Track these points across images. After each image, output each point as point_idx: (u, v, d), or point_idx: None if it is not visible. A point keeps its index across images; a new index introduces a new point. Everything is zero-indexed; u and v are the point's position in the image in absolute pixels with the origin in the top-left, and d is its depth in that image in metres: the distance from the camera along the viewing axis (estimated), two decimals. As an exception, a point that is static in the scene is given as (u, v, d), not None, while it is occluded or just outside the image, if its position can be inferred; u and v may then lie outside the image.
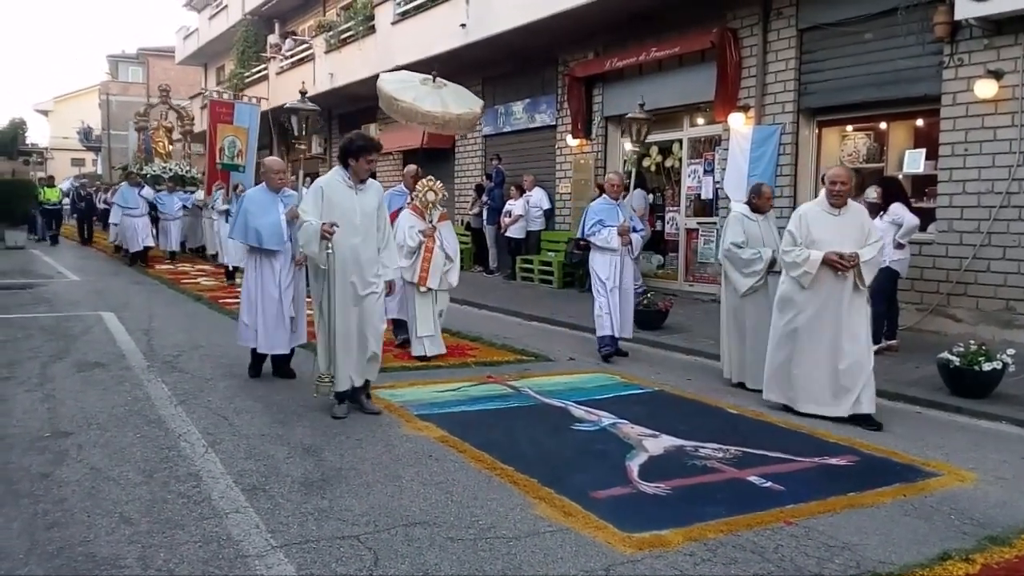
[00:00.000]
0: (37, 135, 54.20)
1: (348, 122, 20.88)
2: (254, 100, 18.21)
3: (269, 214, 5.98)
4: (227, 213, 13.07)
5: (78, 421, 5.03)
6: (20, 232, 20.46)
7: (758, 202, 6.35)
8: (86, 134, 46.54)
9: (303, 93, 6.77)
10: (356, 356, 5.18)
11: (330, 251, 4.91)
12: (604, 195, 7.57)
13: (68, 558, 3.13)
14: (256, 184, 13.55)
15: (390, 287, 5.37)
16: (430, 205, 7.00)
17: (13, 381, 6.06)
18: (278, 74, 22.03)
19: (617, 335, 7.31)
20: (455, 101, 7.60)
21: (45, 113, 54.31)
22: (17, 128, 48.60)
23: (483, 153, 15.83)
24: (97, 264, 16.79)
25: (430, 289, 6.98)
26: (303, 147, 6.71)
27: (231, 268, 12.89)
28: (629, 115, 7.71)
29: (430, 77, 7.65)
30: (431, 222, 6.99)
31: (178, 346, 7.52)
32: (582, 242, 7.75)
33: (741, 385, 6.27)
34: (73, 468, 4.16)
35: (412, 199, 7.17)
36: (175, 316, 9.56)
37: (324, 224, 4.86)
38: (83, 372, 6.43)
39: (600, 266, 7.38)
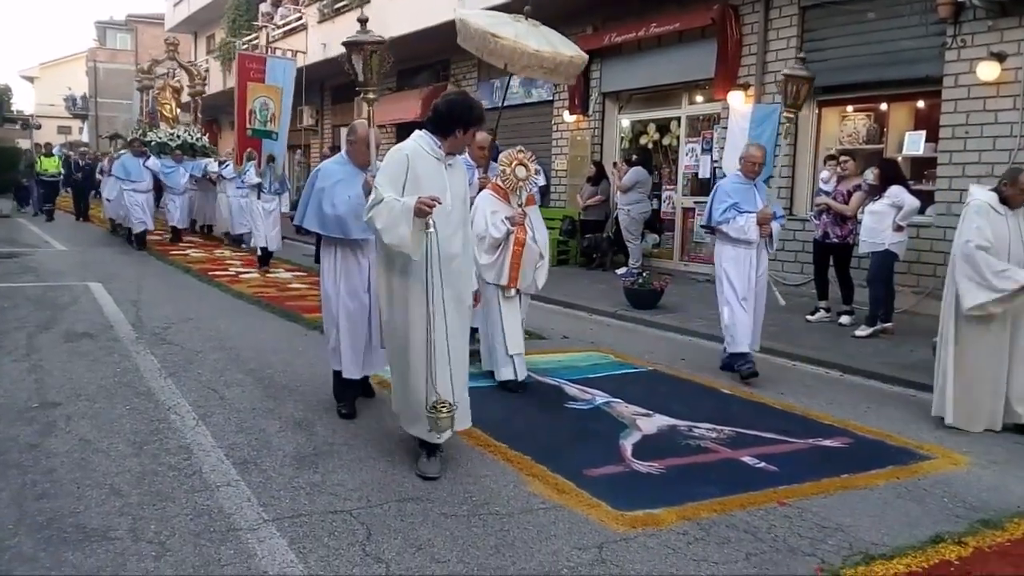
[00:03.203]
0: (23, 102, 53.39)
1: (341, 94, 20.65)
2: (289, 54, 15.22)
3: (352, 193, 4.52)
4: (259, 188, 11.54)
5: (66, 392, 4.97)
6: (6, 200, 20.13)
7: (1010, 192, 4.85)
8: (73, 102, 45.84)
9: (363, 21, 5.23)
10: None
11: (432, 230, 3.53)
12: (736, 171, 6.19)
13: (58, 529, 3.10)
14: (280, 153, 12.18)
15: (476, 299, 4.16)
16: (520, 184, 5.42)
17: None
18: (270, 43, 21.69)
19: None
20: (561, 42, 6.40)
21: (31, 79, 53.48)
22: (2, 95, 47.84)
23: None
24: (85, 234, 16.61)
25: (518, 292, 5.47)
26: (372, 96, 4.98)
27: (259, 252, 11.49)
28: (785, 72, 6.23)
29: (521, 15, 6.26)
30: (520, 206, 5.45)
31: (167, 318, 7.44)
32: (706, 229, 6.28)
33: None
34: (62, 439, 4.12)
35: (496, 176, 5.52)
36: (164, 288, 9.47)
37: (422, 198, 3.51)
38: (71, 343, 6.36)
39: (732, 264, 5.87)
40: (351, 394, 4.72)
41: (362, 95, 4.97)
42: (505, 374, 5.38)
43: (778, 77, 6.38)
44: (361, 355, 4.60)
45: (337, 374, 4.70)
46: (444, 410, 3.55)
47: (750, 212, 5.80)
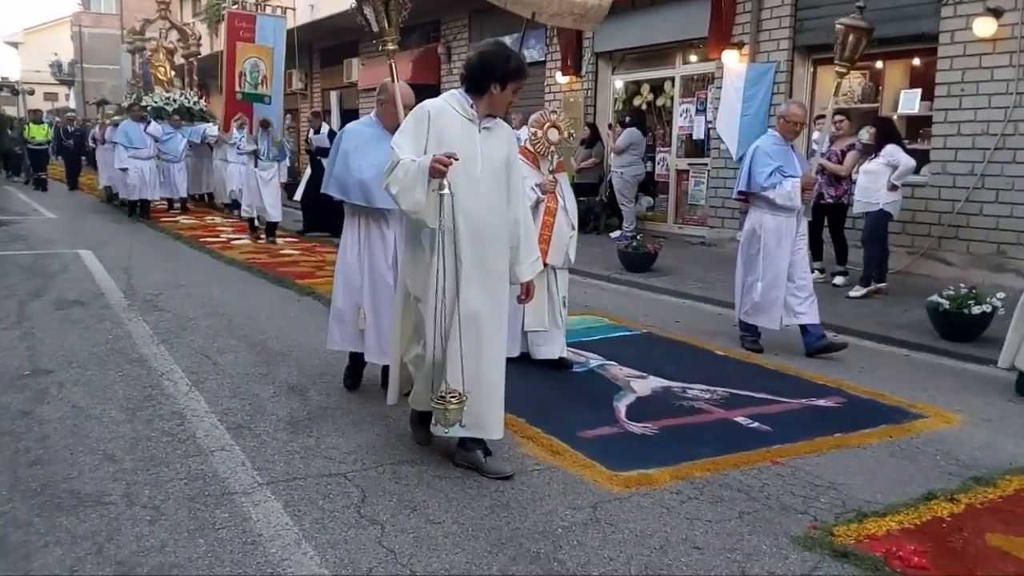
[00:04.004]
0: (7, 68, 52.51)
1: (330, 56, 20.33)
2: (279, 11, 14.33)
3: (377, 157, 3.96)
4: (255, 154, 10.82)
5: (58, 359, 4.95)
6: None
7: None
8: (59, 67, 45.11)
9: None
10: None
11: (445, 191, 3.10)
12: (773, 132, 5.67)
13: (52, 495, 3.10)
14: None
15: (528, 291, 3.63)
16: (551, 149, 5.01)
17: (-10, 318, 5.96)
18: (258, 1, 21.26)
19: (809, 323, 5.50)
20: None
21: (15, 45, 52.56)
22: (-14, 60, 47.01)
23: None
24: (74, 202, 16.46)
25: (546, 266, 4.87)
26: (391, 47, 4.40)
27: (254, 220, 10.91)
28: (843, 22, 5.54)
29: None
30: (550, 172, 5.03)
31: (158, 285, 7.40)
32: (740, 196, 5.74)
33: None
34: (55, 406, 4.10)
35: (525, 140, 5.03)
36: (155, 255, 9.42)
37: (437, 155, 3.10)
38: (62, 310, 6.32)
39: (773, 235, 5.44)
40: (361, 370, 4.52)
41: (379, 47, 4.47)
42: (509, 350, 4.81)
43: (836, 27, 5.59)
44: (387, 337, 4.03)
45: (353, 356, 4.44)
46: (453, 401, 3.18)
47: (794, 176, 5.40)
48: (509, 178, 3.41)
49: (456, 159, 3.11)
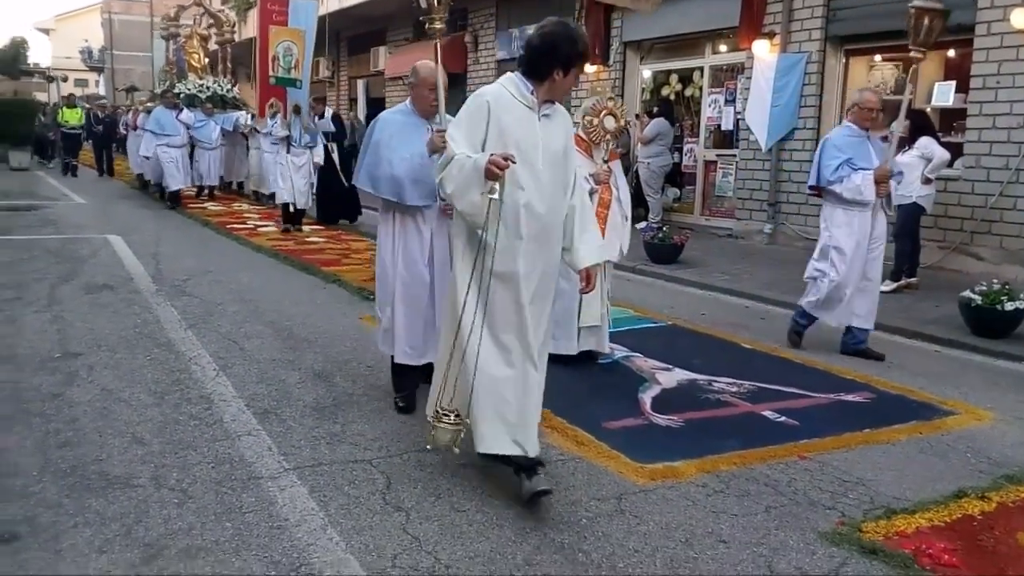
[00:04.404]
0: (39, 54, 53.34)
1: (357, 45, 20.38)
2: None
3: (409, 149, 3.84)
4: (288, 140, 10.55)
5: (87, 342, 5.02)
6: (24, 153, 20.07)
7: None
8: (89, 54, 45.70)
9: None
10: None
11: (495, 196, 2.81)
12: (847, 123, 5.36)
13: (81, 476, 3.14)
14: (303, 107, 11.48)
15: (588, 279, 3.19)
16: (607, 138, 4.77)
17: (21, 302, 6.05)
18: (285, -7, 21.31)
19: (860, 326, 5.31)
20: None
21: (47, 32, 53.33)
22: (18, 47, 47.77)
23: (497, 79, 15.40)
24: (104, 188, 16.67)
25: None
26: (439, 26, 4.13)
27: (290, 206, 10.52)
28: (915, 4, 5.17)
29: None
30: (604, 161, 4.78)
31: (187, 271, 7.47)
32: (812, 190, 5.53)
33: None
34: (84, 389, 4.16)
35: (578, 127, 4.63)
36: (183, 241, 9.51)
37: (494, 156, 2.82)
38: (91, 294, 6.41)
39: (844, 231, 5.17)
40: (410, 384, 4.02)
41: (426, 25, 4.22)
42: (567, 348, 4.72)
43: (907, 10, 5.15)
44: (420, 337, 3.90)
45: (399, 369, 4.04)
46: (446, 421, 2.89)
47: (866, 169, 5.08)
48: (568, 164, 3.16)
49: (514, 162, 2.85)
